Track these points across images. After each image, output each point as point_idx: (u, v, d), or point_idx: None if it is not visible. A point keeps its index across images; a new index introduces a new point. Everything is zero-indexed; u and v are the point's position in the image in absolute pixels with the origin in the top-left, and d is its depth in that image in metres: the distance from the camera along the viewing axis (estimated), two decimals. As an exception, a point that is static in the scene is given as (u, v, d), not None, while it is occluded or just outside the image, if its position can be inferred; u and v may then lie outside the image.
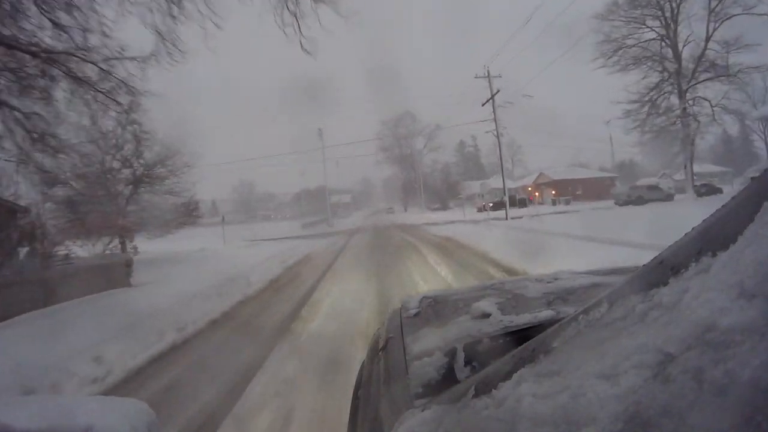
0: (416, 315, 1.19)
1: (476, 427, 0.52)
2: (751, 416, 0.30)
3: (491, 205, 31.05)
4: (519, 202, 33.59)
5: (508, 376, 0.53)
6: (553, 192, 38.11)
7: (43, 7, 7.60)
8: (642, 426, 0.35)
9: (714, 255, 0.41)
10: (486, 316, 1.00)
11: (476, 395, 0.56)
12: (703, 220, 0.49)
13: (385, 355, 1.04)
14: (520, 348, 0.60)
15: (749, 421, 0.30)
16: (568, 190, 37.63)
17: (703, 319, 0.36)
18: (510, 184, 45.53)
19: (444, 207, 43.11)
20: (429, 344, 0.92)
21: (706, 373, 0.34)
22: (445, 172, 50.07)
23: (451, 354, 0.82)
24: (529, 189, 42.36)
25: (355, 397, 1.12)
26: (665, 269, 0.45)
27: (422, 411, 0.65)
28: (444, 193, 45.88)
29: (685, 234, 0.49)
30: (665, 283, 0.43)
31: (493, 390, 0.53)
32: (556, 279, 1.28)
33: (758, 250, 0.37)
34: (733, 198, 0.47)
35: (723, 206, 0.48)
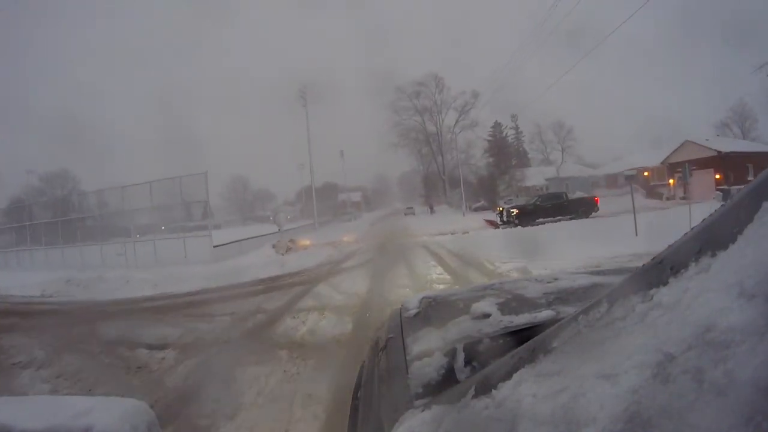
0: (416, 315, 1.18)
1: (476, 427, 0.52)
2: (751, 416, 0.30)
3: (515, 212, 17.60)
4: (573, 204, 18.32)
5: (508, 376, 0.53)
6: (718, 176, 21.65)
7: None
8: (642, 426, 0.35)
9: (714, 255, 0.41)
10: (486, 316, 0.99)
11: (476, 395, 0.56)
12: (703, 220, 0.49)
13: (385, 355, 1.04)
14: (520, 348, 0.60)
15: (749, 421, 0.30)
16: (736, 174, 20.66)
17: (703, 319, 0.36)
18: (572, 171, 32.25)
19: (492, 206, 27.42)
20: (429, 344, 0.92)
21: (706, 373, 0.33)
22: (494, 154, 34.70)
23: (451, 354, 0.82)
24: (646, 174, 25.94)
25: (355, 397, 1.12)
26: (665, 269, 0.45)
27: (422, 411, 0.64)
28: (489, 186, 30.63)
29: (685, 234, 0.49)
30: (665, 283, 0.43)
31: (493, 390, 0.53)
32: (556, 279, 1.28)
33: (758, 250, 0.37)
34: (732, 198, 0.47)
35: (723, 206, 0.48)
